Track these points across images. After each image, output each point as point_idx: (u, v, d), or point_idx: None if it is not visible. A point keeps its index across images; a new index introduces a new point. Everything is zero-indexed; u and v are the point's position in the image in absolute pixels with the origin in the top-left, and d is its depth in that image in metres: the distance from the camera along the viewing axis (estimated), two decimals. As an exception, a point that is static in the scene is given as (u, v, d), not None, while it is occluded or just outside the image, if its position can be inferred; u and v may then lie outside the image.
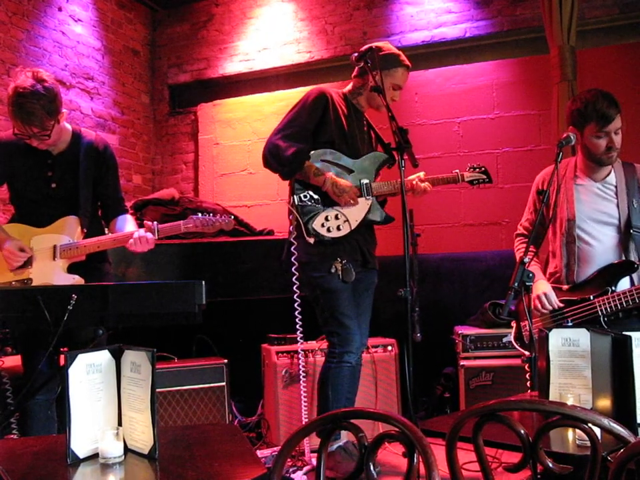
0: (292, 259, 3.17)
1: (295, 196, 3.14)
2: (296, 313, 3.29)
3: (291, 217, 3.18)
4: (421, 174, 3.28)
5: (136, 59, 5.98)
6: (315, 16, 5.53)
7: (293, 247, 3.16)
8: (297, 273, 3.18)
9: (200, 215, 2.82)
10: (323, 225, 3.13)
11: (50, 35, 5.00)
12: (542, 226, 2.91)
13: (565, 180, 2.92)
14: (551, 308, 2.81)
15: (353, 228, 3.16)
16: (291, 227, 3.18)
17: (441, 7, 5.10)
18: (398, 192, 3.25)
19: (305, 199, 3.13)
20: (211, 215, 2.84)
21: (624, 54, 4.63)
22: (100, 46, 5.52)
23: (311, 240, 3.09)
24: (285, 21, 5.64)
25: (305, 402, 3.49)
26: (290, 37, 5.61)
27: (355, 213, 3.18)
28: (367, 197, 3.21)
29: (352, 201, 3.14)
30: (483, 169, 3.41)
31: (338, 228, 3.14)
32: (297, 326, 3.34)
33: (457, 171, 3.36)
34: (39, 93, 2.61)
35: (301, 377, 3.56)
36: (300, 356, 3.59)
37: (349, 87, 3.34)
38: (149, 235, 2.74)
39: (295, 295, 3.23)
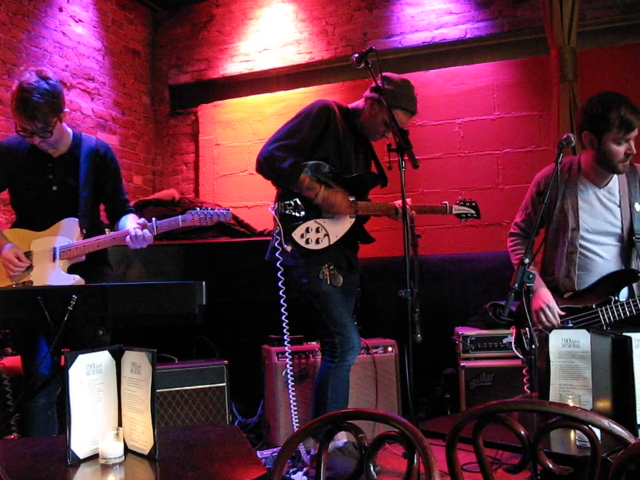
0: (277, 264, 3.16)
1: (279, 202, 3.12)
2: (283, 317, 3.30)
3: (275, 223, 3.17)
4: (408, 200, 3.25)
5: (136, 60, 5.98)
6: (315, 17, 5.53)
7: (277, 252, 3.15)
8: (283, 278, 3.18)
9: (198, 209, 2.80)
10: (302, 236, 3.12)
11: (51, 35, 5.00)
12: (541, 227, 2.89)
13: (569, 185, 2.87)
14: (555, 323, 2.76)
15: (331, 243, 3.15)
16: (275, 232, 3.16)
17: (442, 8, 5.10)
18: (384, 214, 3.30)
19: (290, 207, 3.10)
20: (209, 208, 2.82)
21: (624, 55, 4.63)
22: (100, 46, 5.52)
23: (288, 248, 3.10)
24: (285, 22, 5.64)
25: (293, 404, 3.50)
26: (290, 37, 5.61)
27: (336, 229, 3.18)
28: (352, 215, 3.21)
29: (345, 213, 3.15)
30: (473, 204, 3.45)
31: (317, 241, 3.13)
32: (284, 330, 3.35)
33: (446, 202, 3.41)
34: (43, 88, 2.64)
35: (289, 378, 3.54)
36: (288, 359, 3.57)
37: (355, 103, 3.30)
38: (146, 232, 2.72)
39: (282, 300, 3.23)
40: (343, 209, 3.16)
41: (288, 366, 3.57)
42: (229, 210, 2.83)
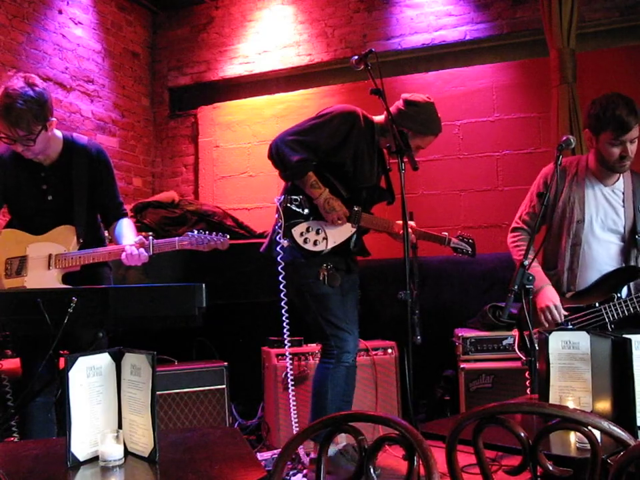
0: (278, 258, 3.12)
1: (286, 195, 3.11)
2: (283, 317, 3.26)
3: (277, 215, 3.14)
4: (412, 223, 3.26)
5: (136, 62, 5.98)
6: (314, 19, 5.54)
7: (278, 247, 3.10)
8: (282, 272, 3.14)
9: (195, 232, 2.77)
10: (301, 234, 3.09)
11: (50, 37, 5.01)
12: (542, 225, 2.91)
13: (577, 180, 2.90)
14: (559, 321, 2.76)
15: (328, 248, 3.13)
16: (276, 226, 3.12)
17: (441, 10, 5.11)
18: (385, 230, 3.29)
19: (295, 202, 3.08)
20: (207, 233, 2.77)
21: (624, 57, 4.63)
22: (100, 48, 5.52)
23: (285, 243, 3.05)
24: (285, 24, 5.65)
25: (293, 405, 3.48)
26: (290, 39, 5.61)
27: (336, 235, 3.15)
28: (354, 225, 3.18)
29: (339, 221, 3.11)
30: (471, 241, 3.45)
31: (315, 243, 3.10)
32: (285, 330, 3.30)
33: (446, 234, 3.41)
34: (28, 95, 2.59)
35: (289, 381, 3.52)
36: (288, 361, 3.55)
37: (380, 119, 3.24)
38: (142, 251, 2.70)
39: (282, 294, 3.19)
40: (340, 215, 3.11)
41: (289, 368, 3.55)
42: (227, 237, 2.81)
